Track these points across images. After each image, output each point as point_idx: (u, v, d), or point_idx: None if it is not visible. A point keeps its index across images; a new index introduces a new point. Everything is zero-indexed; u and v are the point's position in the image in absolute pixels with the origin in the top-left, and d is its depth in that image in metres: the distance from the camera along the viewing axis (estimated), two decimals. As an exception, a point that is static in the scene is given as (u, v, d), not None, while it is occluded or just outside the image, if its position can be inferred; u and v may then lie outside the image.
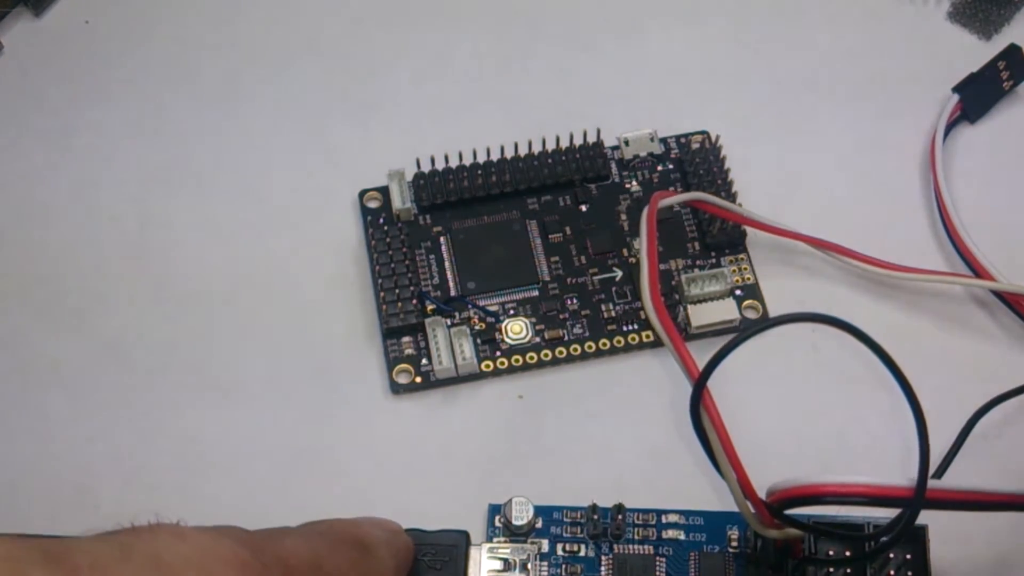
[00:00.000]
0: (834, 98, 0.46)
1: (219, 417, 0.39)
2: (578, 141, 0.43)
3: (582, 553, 0.36)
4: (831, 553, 0.33)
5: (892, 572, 0.33)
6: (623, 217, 0.42)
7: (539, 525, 0.36)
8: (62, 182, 0.44)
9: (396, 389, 0.39)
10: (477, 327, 0.40)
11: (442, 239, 0.42)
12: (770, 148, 0.44)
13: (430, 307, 0.40)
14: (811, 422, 0.38)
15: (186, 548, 0.24)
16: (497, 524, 0.36)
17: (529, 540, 0.36)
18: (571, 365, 0.40)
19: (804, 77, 0.46)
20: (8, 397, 0.39)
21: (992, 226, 0.41)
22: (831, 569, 0.33)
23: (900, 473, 0.29)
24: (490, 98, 0.46)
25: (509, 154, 0.43)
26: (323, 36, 0.47)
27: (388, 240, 0.41)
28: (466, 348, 0.39)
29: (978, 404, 0.38)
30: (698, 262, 0.41)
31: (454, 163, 0.43)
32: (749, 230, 0.42)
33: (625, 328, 0.40)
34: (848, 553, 0.33)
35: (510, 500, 0.35)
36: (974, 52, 0.46)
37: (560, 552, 0.36)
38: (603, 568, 0.35)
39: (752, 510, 0.31)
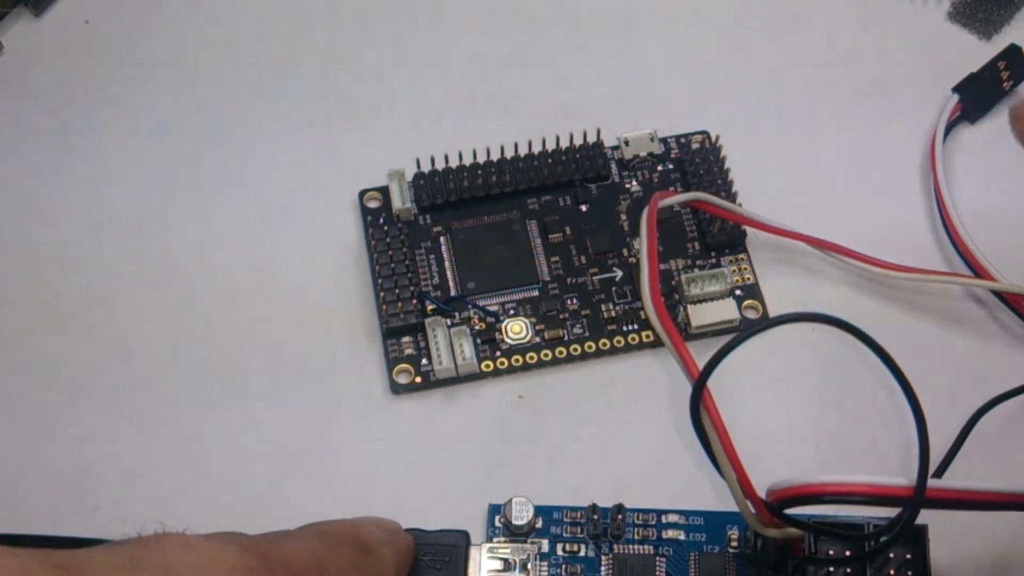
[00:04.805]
0: (834, 98, 0.46)
1: (219, 417, 0.39)
2: (578, 141, 0.43)
3: (582, 553, 0.36)
4: (831, 553, 0.33)
5: (892, 572, 0.33)
6: (623, 217, 0.42)
7: (539, 525, 0.36)
8: (62, 182, 0.44)
9: (396, 389, 0.39)
10: (477, 327, 0.40)
11: (442, 239, 0.42)
12: (770, 148, 0.44)
13: (430, 307, 0.40)
14: (811, 422, 0.38)
15: (194, 557, 0.25)
16: (497, 524, 0.36)
17: (529, 540, 0.36)
18: (571, 365, 0.40)
19: (804, 77, 0.46)
20: (8, 397, 0.39)
21: (992, 226, 0.41)
22: (831, 569, 0.33)
23: (900, 473, 0.29)
24: (490, 98, 0.46)
25: (509, 154, 0.43)
26: (323, 36, 0.47)
27: (388, 240, 0.41)
28: (466, 348, 0.39)
29: (978, 404, 0.38)
30: (698, 262, 0.41)
31: (454, 163, 0.43)
32: (749, 230, 0.42)
33: (625, 328, 0.40)
34: (848, 553, 0.33)
35: (510, 500, 0.36)
36: (974, 52, 0.46)
37: (560, 552, 0.36)
38: (603, 568, 0.35)
39: (752, 510, 0.31)
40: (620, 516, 0.35)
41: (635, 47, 0.47)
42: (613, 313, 0.40)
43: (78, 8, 0.48)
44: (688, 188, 0.42)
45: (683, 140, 0.44)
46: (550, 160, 0.43)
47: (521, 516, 0.35)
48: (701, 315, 0.40)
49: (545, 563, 0.35)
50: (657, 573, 0.35)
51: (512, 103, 0.46)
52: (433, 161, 0.43)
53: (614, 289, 0.41)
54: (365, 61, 0.47)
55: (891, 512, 0.30)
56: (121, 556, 0.24)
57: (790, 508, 0.31)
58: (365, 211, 0.43)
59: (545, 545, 0.36)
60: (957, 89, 0.44)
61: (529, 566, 0.35)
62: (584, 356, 0.40)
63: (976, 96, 0.45)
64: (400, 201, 0.42)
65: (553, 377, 0.40)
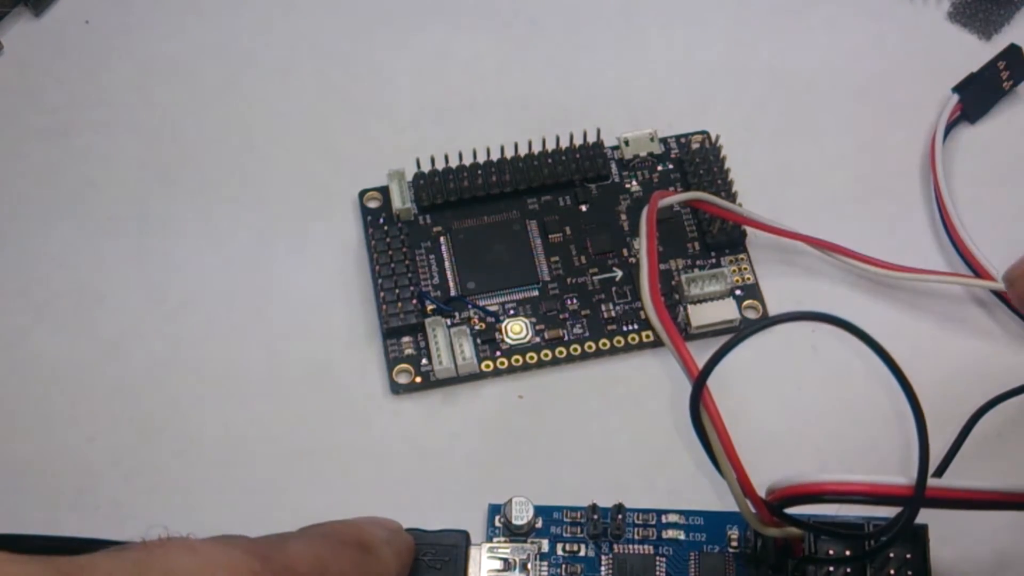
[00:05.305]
0: (834, 98, 0.46)
1: (219, 417, 0.39)
2: (578, 141, 0.43)
3: (582, 553, 0.36)
4: (831, 552, 0.33)
5: (892, 571, 0.33)
6: (623, 217, 0.42)
7: (539, 525, 0.36)
8: (62, 182, 0.44)
9: (396, 389, 0.39)
10: (477, 327, 0.40)
11: (442, 239, 0.42)
12: (770, 148, 0.44)
13: (430, 307, 0.40)
14: (811, 422, 0.38)
15: (198, 562, 0.25)
16: (497, 524, 0.36)
17: (529, 540, 0.36)
18: (571, 365, 0.40)
19: (804, 77, 0.46)
20: (8, 397, 0.39)
21: (992, 226, 0.41)
22: (831, 568, 0.33)
23: (900, 473, 0.29)
24: (490, 98, 0.46)
25: (509, 154, 0.43)
26: (323, 36, 0.47)
27: (388, 240, 0.41)
28: (466, 348, 0.39)
29: (978, 404, 0.38)
30: (698, 262, 0.41)
31: (454, 163, 0.43)
32: (749, 230, 0.42)
33: (625, 328, 0.40)
34: (848, 552, 0.33)
35: (510, 500, 0.35)
36: (974, 52, 0.46)
37: (560, 552, 0.36)
38: (603, 568, 0.35)
39: (752, 509, 0.31)
40: (620, 516, 0.35)
41: (635, 47, 0.47)
42: (613, 313, 0.40)
43: (78, 8, 0.48)
44: (688, 188, 0.42)
45: (683, 140, 0.44)
46: (550, 160, 0.43)
47: (521, 516, 0.35)
48: (701, 315, 0.40)
49: (545, 563, 0.35)
50: (657, 573, 0.35)
51: (512, 103, 0.46)
52: (433, 161, 0.43)
53: (614, 289, 0.41)
54: (365, 61, 0.47)
55: (891, 512, 0.30)
56: (125, 561, 0.24)
57: (790, 507, 0.31)
58: (365, 211, 0.43)
59: (545, 545, 0.36)
60: (957, 89, 0.44)
61: (529, 566, 0.35)
62: (584, 356, 0.40)
63: (976, 96, 0.45)
64: (400, 201, 0.42)
65: (553, 377, 0.40)
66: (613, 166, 0.43)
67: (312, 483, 0.38)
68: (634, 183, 0.43)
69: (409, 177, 0.42)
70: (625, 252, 0.42)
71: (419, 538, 0.34)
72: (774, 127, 0.45)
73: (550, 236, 0.42)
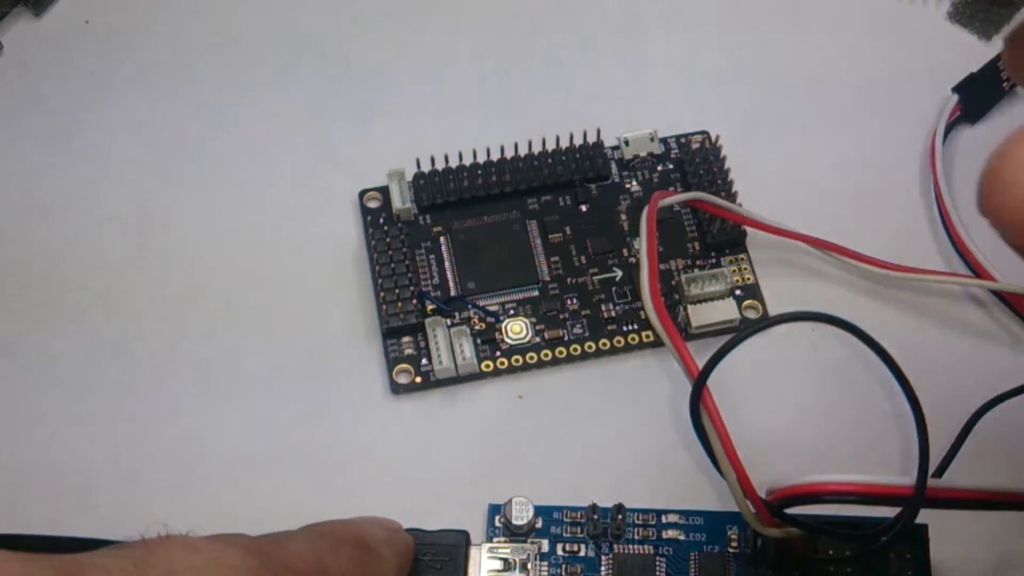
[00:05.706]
0: (834, 98, 0.46)
1: (219, 417, 0.39)
2: (578, 141, 0.43)
3: (582, 553, 0.36)
4: (831, 552, 0.33)
5: (892, 572, 0.33)
6: (623, 217, 0.42)
7: (539, 525, 0.36)
8: (62, 182, 0.44)
9: (396, 389, 0.39)
10: (477, 327, 0.40)
11: (442, 239, 0.42)
12: (770, 148, 0.44)
13: (430, 307, 0.40)
14: (811, 422, 0.38)
15: (198, 560, 0.25)
16: (497, 524, 0.36)
17: (529, 540, 0.36)
18: (571, 365, 0.40)
19: (804, 77, 0.46)
20: (8, 397, 0.39)
21: (992, 226, 0.41)
22: (831, 568, 0.33)
23: (900, 473, 0.30)
24: (490, 98, 0.46)
25: (509, 154, 0.43)
26: (323, 36, 0.47)
27: (388, 240, 0.41)
28: (466, 348, 0.39)
29: (978, 404, 0.38)
30: (698, 262, 0.41)
31: (454, 163, 0.43)
32: (749, 230, 0.42)
33: (625, 328, 0.40)
34: (848, 552, 0.33)
35: (510, 500, 0.35)
36: (974, 52, 0.46)
37: (560, 552, 0.36)
38: (603, 568, 0.35)
39: (752, 509, 0.31)
40: (620, 516, 0.35)
41: (635, 47, 0.47)
42: (613, 313, 0.40)
43: (78, 8, 0.48)
44: (688, 188, 0.42)
45: (683, 140, 0.44)
46: (550, 160, 0.43)
47: (521, 516, 0.35)
48: (701, 315, 0.40)
49: (545, 563, 0.35)
50: (657, 573, 0.35)
51: (512, 103, 0.46)
52: (433, 161, 0.43)
53: (614, 289, 0.41)
54: (365, 61, 0.47)
55: (891, 512, 0.30)
56: (125, 559, 0.24)
57: (790, 507, 0.31)
58: (365, 211, 0.43)
59: (545, 545, 0.36)
60: (957, 89, 0.44)
61: (529, 566, 0.35)
62: (584, 356, 0.40)
63: (976, 96, 0.45)
64: (400, 201, 0.42)
65: (553, 377, 0.40)
66: (613, 166, 0.43)
67: (312, 483, 0.38)
68: (634, 183, 0.43)
69: (409, 177, 0.42)
70: (625, 252, 0.42)
71: (419, 538, 0.34)
72: (774, 127, 0.45)
73: (550, 236, 0.42)
